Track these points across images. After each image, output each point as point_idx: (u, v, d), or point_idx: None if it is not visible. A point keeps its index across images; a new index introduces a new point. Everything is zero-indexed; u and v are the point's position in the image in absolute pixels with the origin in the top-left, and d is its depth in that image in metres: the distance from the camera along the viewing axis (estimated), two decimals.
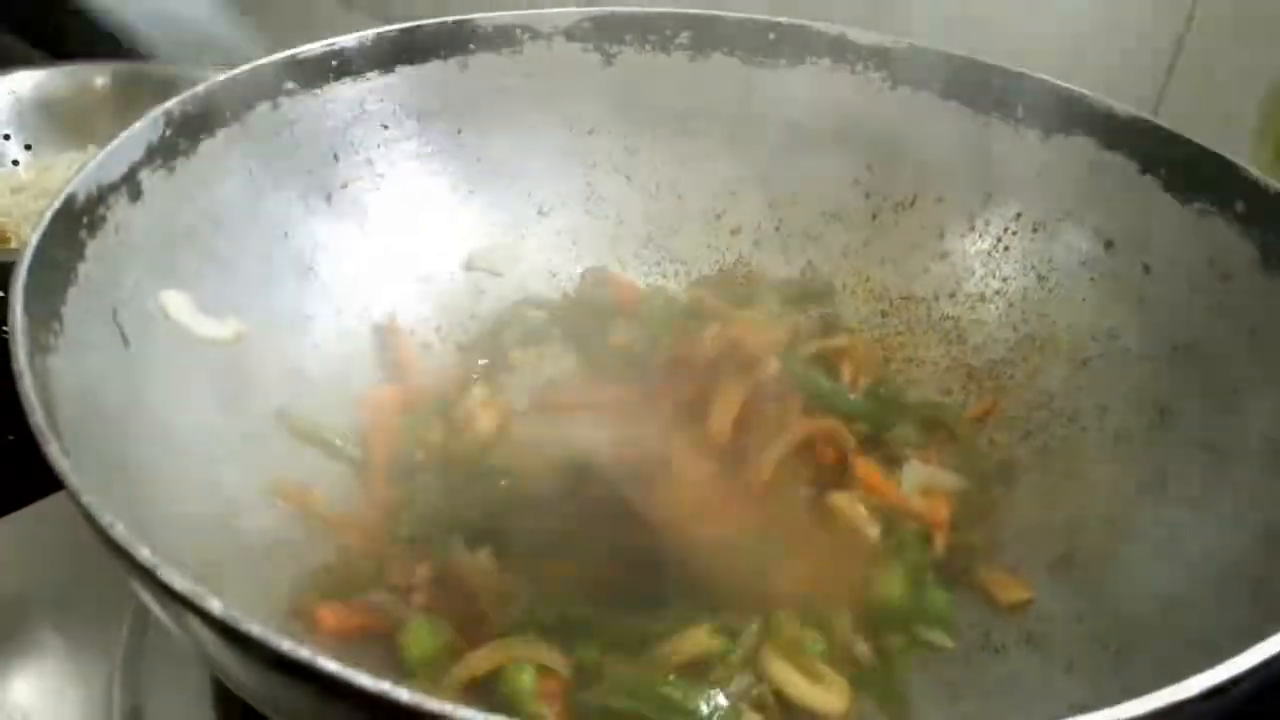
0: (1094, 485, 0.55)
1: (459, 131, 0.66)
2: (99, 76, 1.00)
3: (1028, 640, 0.50)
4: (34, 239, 0.41)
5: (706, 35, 0.68)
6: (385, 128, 0.63)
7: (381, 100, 0.62)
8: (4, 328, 0.38)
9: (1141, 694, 0.33)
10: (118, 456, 0.42)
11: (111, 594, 0.54)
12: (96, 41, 1.06)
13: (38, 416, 0.34)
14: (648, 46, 0.68)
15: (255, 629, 0.28)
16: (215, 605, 0.29)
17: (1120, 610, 0.48)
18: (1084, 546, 0.53)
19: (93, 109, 0.99)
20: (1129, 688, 0.43)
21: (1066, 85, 0.62)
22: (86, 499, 0.31)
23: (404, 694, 0.25)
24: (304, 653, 0.27)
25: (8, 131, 0.97)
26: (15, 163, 0.96)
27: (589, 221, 0.70)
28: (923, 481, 0.57)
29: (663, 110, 0.70)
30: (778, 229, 0.71)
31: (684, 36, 0.68)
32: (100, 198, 0.46)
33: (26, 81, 0.98)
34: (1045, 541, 0.54)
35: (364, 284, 0.61)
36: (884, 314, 0.68)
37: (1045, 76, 0.63)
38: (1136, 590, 0.49)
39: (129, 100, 0.96)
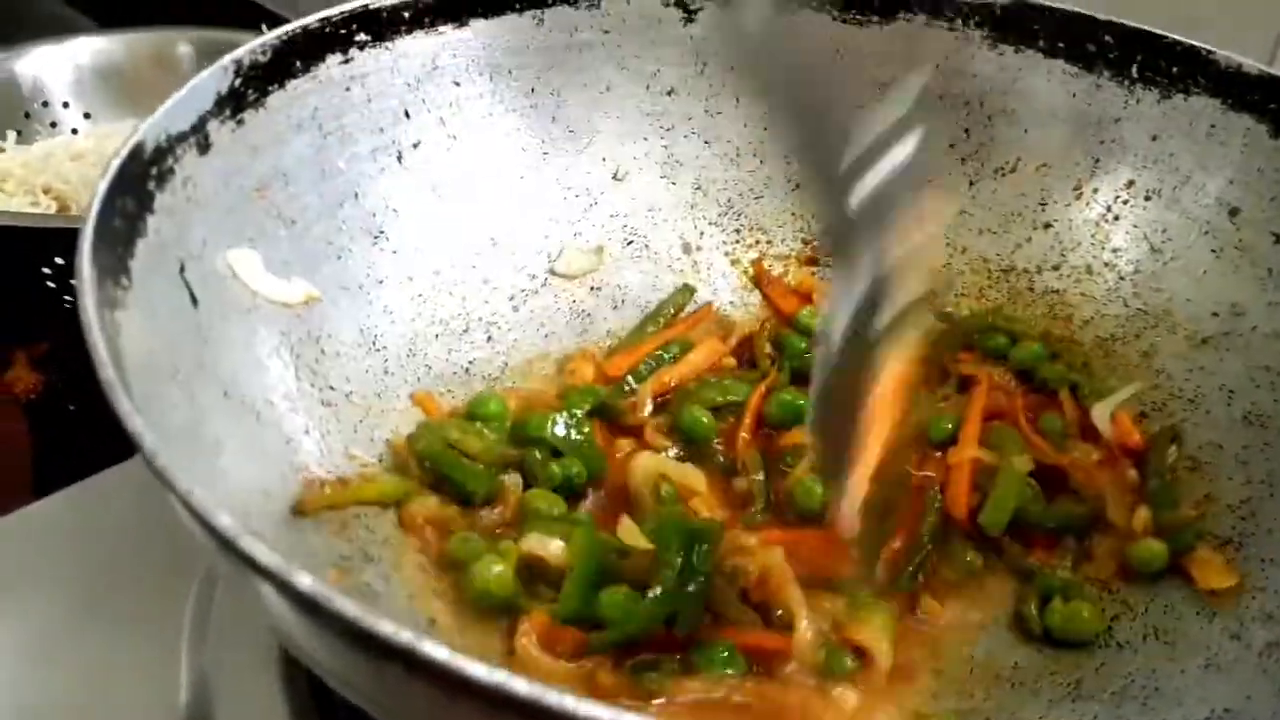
0: (1222, 472, 0.51)
1: (532, 90, 0.63)
2: (159, 44, 0.99)
3: (1155, 635, 0.46)
4: (102, 187, 0.39)
5: None
6: (457, 85, 0.60)
7: (454, 55, 0.59)
8: (69, 297, 0.36)
9: None
10: (188, 421, 0.40)
11: (174, 567, 0.52)
12: (141, 8, 1.04)
13: (108, 371, 0.31)
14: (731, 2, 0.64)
15: (350, 608, 0.25)
16: (304, 580, 0.26)
17: (1263, 605, 0.44)
18: (1214, 536, 0.49)
19: (152, 78, 0.98)
20: None
21: (1187, 41, 0.57)
22: (162, 462, 0.28)
23: (521, 685, 0.22)
24: (405, 636, 0.24)
25: (66, 99, 0.96)
26: (74, 131, 0.95)
27: (665, 186, 0.67)
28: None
29: (746, 70, 0.66)
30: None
31: None
32: (169, 148, 0.44)
33: (85, 49, 0.97)
34: (1168, 529, 0.50)
35: (435, 248, 0.58)
36: (982, 288, 0.64)
37: (1164, 32, 0.58)
38: (1277, 584, 0.45)
39: (190, 69, 0.94)
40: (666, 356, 0.60)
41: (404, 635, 0.24)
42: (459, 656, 0.23)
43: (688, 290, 0.65)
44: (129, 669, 0.49)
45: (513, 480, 0.52)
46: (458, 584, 0.47)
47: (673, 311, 0.64)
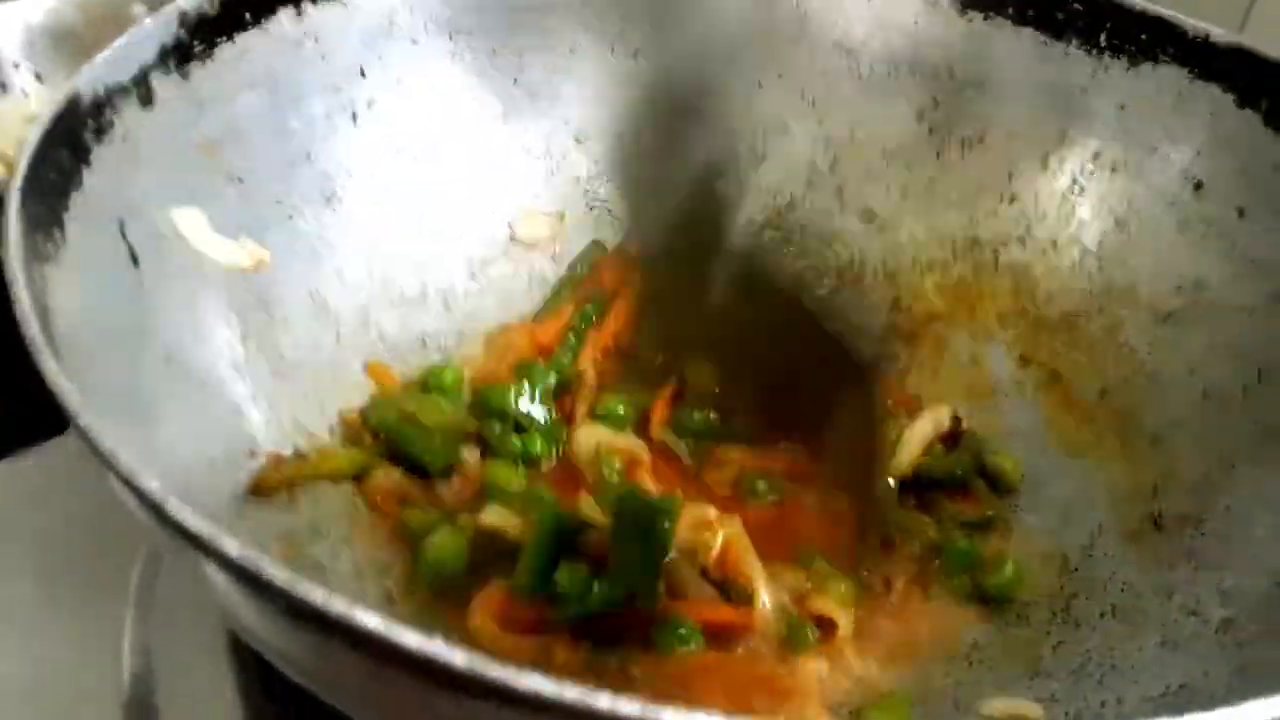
0: (1183, 450, 0.51)
1: (493, 51, 0.61)
2: (113, 5, 0.95)
3: (1112, 613, 0.46)
4: (35, 137, 0.37)
5: None
6: (415, 43, 0.58)
7: (412, 12, 0.57)
8: None
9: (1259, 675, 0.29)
10: (126, 386, 0.38)
11: (118, 542, 0.50)
12: None
13: (33, 329, 0.29)
14: None
15: (279, 574, 0.24)
16: (231, 546, 0.25)
17: (1221, 585, 0.44)
18: (1171, 514, 0.49)
19: (107, 39, 0.94)
20: (1242, 667, 0.40)
21: (1156, 8, 0.57)
22: (86, 421, 0.27)
23: (458, 656, 0.21)
24: (339, 605, 0.23)
25: (17, 60, 0.92)
26: (25, 93, 0.91)
27: (629, 151, 0.65)
28: None
29: (712, 36, 0.65)
30: (832, 169, 0.66)
31: None
32: (108, 99, 0.42)
33: (36, 9, 0.93)
34: (1128, 507, 0.50)
35: (391, 212, 0.57)
36: (946, 262, 0.63)
37: (1133, 1, 0.57)
38: (1235, 563, 0.45)
39: None
40: (587, 318, 0.59)
41: (336, 604, 0.23)
42: (393, 626, 0.22)
43: (599, 246, 0.64)
44: (69, 647, 0.48)
45: (471, 453, 0.51)
46: (411, 559, 0.46)
47: (585, 269, 0.63)
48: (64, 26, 0.94)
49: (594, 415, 0.54)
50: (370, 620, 0.22)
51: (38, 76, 0.92)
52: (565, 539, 0.45)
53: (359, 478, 0.48)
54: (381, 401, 0.51)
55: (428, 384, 0.53)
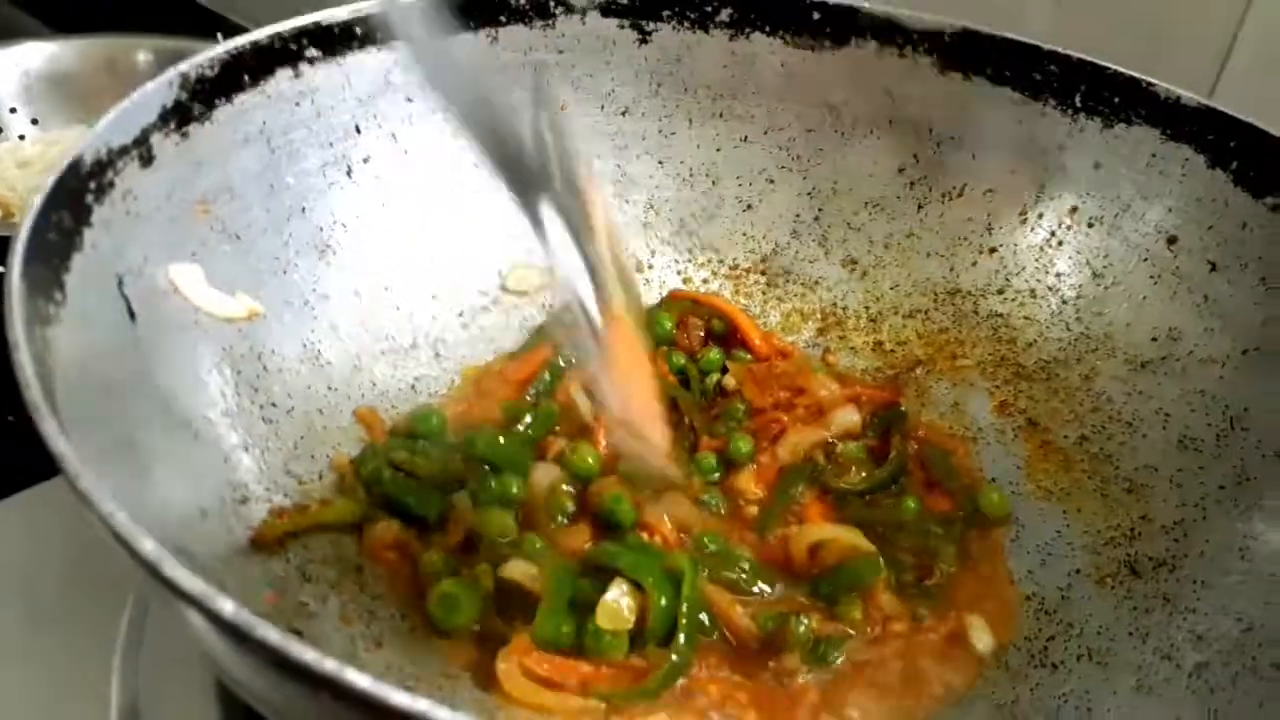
0: (1158, 495, 0.52)
1: None
2: (111, 51, 0.97)
3: (1089, 656, 0.47)
4: (37, 202, 0.38)
5: (748, 13, 0.65)
6: (410, 101, 0.60)
7: (406, 70, 0.59)
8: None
9: None
10: (122, 438, 0.39)
11: (110, 583, 0.51)
12: (95, 14, 1.02)
13: (33, 392, 0.30)
14: (686, 24, 0.65)
15: (272, 635, 0.24)
16: (226, 607, 0.26)
17: (1194, 629, 0.45)
18: (1147, 559, 0.50)
19: (104, 85, 0.96)
20: (1215, 711, 0.41)
21: (1129, 72, 0.59)
22: (85, 484, 0.28)
23: (444, 714, 0.22)
24: (330, 665, 0.24)
25: (14, 105, 0.94)
26: (22, 137, 0.93)
27: (619, 205, 0.67)
28: None
29: (699, 92, 0.66)
30: (817, 219, 0.67)
31: (724, 14, 0.65)
32: (109, 161, 0.43)
33: (35, 55, 0.96)
34: (1104, 551, 0.51)
35: (384, 264, 0.58)
36: (928, 310, 0.64)
37: (1106, 63, 0.59)
38: (1209, 608, 0.46)
39: (141, 77, 0.93)
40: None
41: (328, 663, 0.24)
42: (381, 685, 0.23)
43: None
44: (58, 688, 0.48)
45: (462, 500, 0.52)
46: (399, 600, 0.47)
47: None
48: (61, 72, 0.95)
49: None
50: (360, 680, 0.23)
51: (34, 121, 0.94)
52: (580, 592, 0.46)
53: (359, 527, 0.49)
54: (372, 452, 0.52)
55: (414, 429, 0.54)
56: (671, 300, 0.66)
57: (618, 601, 0.46)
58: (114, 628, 0.50)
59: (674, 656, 0.45)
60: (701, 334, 0.64)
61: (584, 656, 0.45)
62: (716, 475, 0.56)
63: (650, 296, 0.66)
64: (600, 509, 0.51)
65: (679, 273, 0.67)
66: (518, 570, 0.47)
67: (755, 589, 0.50)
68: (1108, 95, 0.59)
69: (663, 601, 0.46)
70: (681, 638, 0.45)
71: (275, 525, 0.46)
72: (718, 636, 0.48)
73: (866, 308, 0.66)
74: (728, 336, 0.64)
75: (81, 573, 0.53)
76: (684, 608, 0.46)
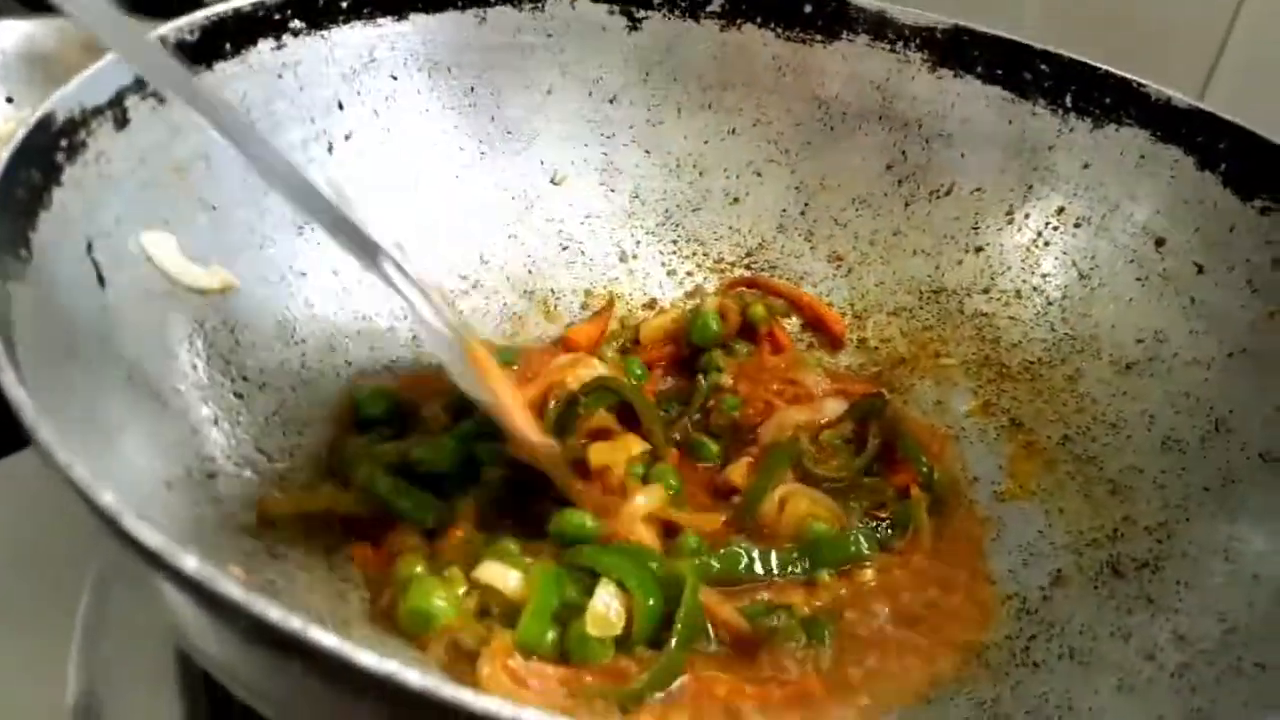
0: (1142, 496, 0.51)
1: (472, 89, 0.62)
2: (87, 31, 0.95)
3: (1070, 655, 0.46)
4: (5, 155, 0.37)
5: (739, 4, 0.64)
6: (394, 78, 0.59)
7: (392, 48, 0.58)
8: None
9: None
10: (87, 404, 0.38)
11: (68, 562, 0.49)
12: None
13: None
14: (677, 13, 0.64)
15: (236, 591, 0.23)
16: (189, 562, 0.24)
17: (1177, 630, 0.44)
18: (1130, 559, 0.49)
19: (79, 64, 0.94)
20: (1197, 711, 0.40)
21: (1120, 72, 0.58)
22: (44, 434, 0.27)
23: (413, 676, 0.21)
24: (295, 622, 0.22)
25: None
26: None
27: (605, 194, 0.66)
28: None
29: (689, 82, 0.66)
30: (803, 213, 0.67)
31: (716, 4, 0.64)
32: (82, 121, 0.42)
33: (10, 33, 0.94)
34: (1087, 551, 0.51)
35: None
36: (912, 308, 0.64)
37: (1098, 63, 0.59)
38: (1192, 608, 0.45)
39: None
40: None
41: (293, 622, 0.23)
42: (348, 645, 0.22)
43: None
44: (15, 668, 0.46)
45: (465, 504, 0.50)
46: (369, 584, 0.45)
47: None
48: (38, 51, 0.94)
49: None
50: (326, 639, 0.22)
51: (9, 99, 0.92)
52: (565, 598, 0.45)
53: (360, 519, 0.47)
54: (364, 459, 0.49)
55: (362, 416, 0.52)
56: (726, 290, 0.66)
57: (606, 605, 0.44)
58: (73, 606, 0.48)
59: (663, 659, 0.43)
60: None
61: (567, 662, 0.43)
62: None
63: (649, 296, 0.66)
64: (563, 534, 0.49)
65: (664, 265, 0.67)
66: (495, 576, 0.45)
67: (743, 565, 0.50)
68: (1098, 95, 0.59)
69: (650, 602, 0.44)
70: (674, 641, 0.44)
71: (281, 503, 0.44)
72: (714, 637, 0.47)
73: (851, 304, 0.65)
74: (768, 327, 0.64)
75: (39, 555, 0.51)
76: (681, 612, 0.44)
